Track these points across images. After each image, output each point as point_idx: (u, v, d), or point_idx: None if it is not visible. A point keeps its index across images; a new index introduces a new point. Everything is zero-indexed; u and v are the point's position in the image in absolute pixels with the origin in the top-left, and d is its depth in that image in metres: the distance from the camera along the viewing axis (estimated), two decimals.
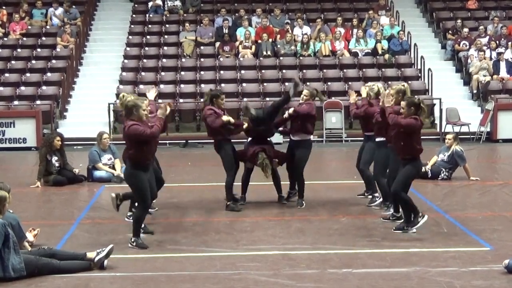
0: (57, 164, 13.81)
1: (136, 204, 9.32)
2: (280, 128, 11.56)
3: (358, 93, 11.52)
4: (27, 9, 25.27)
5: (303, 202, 11.15)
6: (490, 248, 8.84)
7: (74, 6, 25.60)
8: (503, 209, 11.23)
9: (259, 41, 24.07)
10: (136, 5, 27.33)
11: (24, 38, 24.41)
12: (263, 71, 23.11)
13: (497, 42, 23.68)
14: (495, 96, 21.33)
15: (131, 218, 9.76)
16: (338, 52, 23.73)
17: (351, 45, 23.99)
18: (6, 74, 22.57)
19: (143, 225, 9.38)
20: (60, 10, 25.27)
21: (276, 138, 18.23)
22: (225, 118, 10.69)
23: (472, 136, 20.73)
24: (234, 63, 23.54)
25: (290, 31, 24.24)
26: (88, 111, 21.62)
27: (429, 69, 22.34)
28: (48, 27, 25.08)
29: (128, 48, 24.45)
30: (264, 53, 23.72)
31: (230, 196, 10.95)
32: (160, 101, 21.34)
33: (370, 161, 10.95)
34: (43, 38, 24.57)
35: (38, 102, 21.18)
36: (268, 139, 11.19)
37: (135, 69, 23.30)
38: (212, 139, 11.05)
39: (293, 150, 11.06)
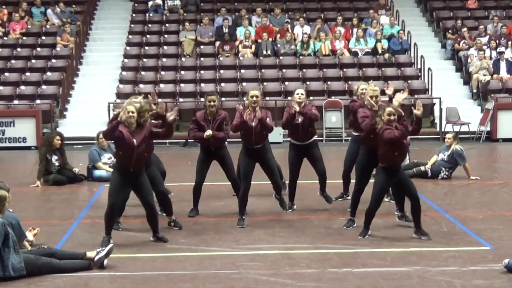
0: (57, 164, 13.81)
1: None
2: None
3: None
4: (26, 7, 25.25)
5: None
6: (490, 247, 8.85)
7: (74, 6, 25.62)
8: (503, 208, 11.24)
9: (259, 40, 24.06)
10: (136, 5, 27.34)
11: (24, 38, 24.41)
12: (263, 70, 23.11)
13: (497, 41, 23.67)
14: (495, 96, 21.33)
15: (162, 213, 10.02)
16: (338, 51, 23.72)
17: (351, 45, 23.98)
18: (6, 74, 22.56)
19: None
20: (59, 10, 25.29)
21: (276, 137, 18.45)
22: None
23: (472, 136, 20.73)
24: (234, 63, 23.54)
25: (290, 31, 24.23)
26: (88, 111, 21.62)
27: (429, 69, 22.34)
28: (48, 26, 25.08)
29: (128, 48, 24.44)
30: (264, 52, 23.72)
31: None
32: (160, 100, 21.44)
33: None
34: (43, 38, 24.57)
35: (38, 101, 21.19)
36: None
37: (135, 69, 23.29)
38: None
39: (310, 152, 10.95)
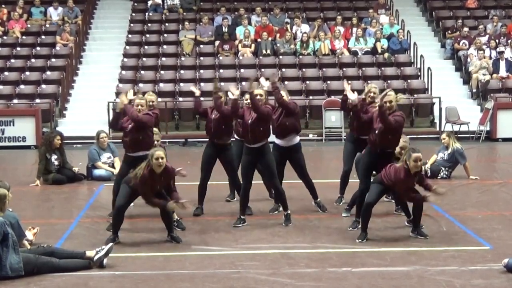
0: (56, 163, 13.82)
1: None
2: None
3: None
4: (22, 5, 25.17)
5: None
6: (490, 247, 8.86)
7: (74, 5, 25.61)
8: (503, 208, 11.24)
9: (259, 39, 24.06)
10: (135, 4, 27.32)
11: (24, 37, 24.39)
12: (262, 70, 23.08)
13: (497, 41, 23.67)
14: (495, 95, 21.33)
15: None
16: (337, 51, 23.71)
17: (350, 44, 23.97)
18: (6, 73, 22.55)
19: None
20: (60, 10, 25.28)
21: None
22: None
23: (471, 135, 20.72)
24: (234, 62, 23.53)
25: (289, 30, 24.23)
26: (88, 110, 21.61)
27: (429, 68, 22.34)
28: (47, 25, 25.07)
29: (127, 47, 24.43)
30: (264, 52, 23.71)
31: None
32: (159, 100, 21.45)
33: None
34: (43, 37, 24.55)
35: (37, 100, 21.18)
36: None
37: (134, 68, 23.28)
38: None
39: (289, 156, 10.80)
